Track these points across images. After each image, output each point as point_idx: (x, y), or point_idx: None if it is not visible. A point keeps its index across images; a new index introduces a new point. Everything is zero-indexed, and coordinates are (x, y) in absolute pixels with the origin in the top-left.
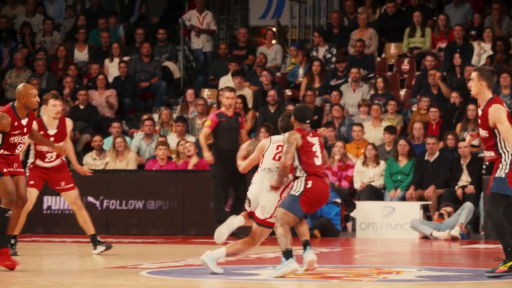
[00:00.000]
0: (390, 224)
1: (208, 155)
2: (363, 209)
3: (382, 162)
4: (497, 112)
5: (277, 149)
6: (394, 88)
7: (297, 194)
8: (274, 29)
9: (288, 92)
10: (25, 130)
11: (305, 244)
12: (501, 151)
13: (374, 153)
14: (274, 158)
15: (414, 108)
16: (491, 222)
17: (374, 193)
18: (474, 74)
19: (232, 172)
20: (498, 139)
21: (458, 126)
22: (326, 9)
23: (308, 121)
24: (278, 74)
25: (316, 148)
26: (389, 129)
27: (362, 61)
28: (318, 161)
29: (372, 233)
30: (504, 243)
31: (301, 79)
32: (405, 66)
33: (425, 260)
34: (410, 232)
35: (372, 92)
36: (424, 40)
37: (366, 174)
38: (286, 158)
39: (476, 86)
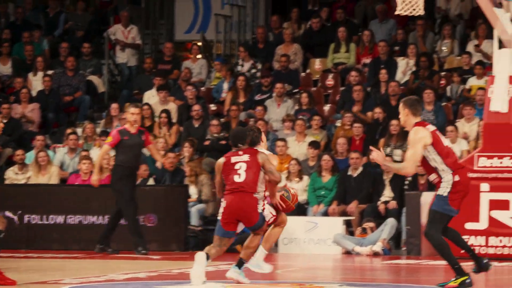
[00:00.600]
0: (313, 239)
1: (95, 179)
2: (287, 225)
3: (306, 177)
4: (412, 135)
5: None
6: (319, 103)
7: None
8: (199, 43)
9: (213, 107)
10: None
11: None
12: (440, 172)
13: (298, 168)
14: None
15: (338, 124)
16: (431, 243)
17: (297, 208)
18: (399, 106)
19: (133, 189)
20: (432, 161)
21: (381, 141)
22: (252, 24)
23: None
24: (203, 88)
25: (240, 165)
26: (313, 144)
27: (287, 76)
28: (238, 178)
29: (294, 248)
30: (450, 262)
31: (225, 94)
32: (330, 81)
33: (347, 276)
34: (333, 247)
35: (297, 107)
36: (348, 56)
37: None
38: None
39: (402, 115)
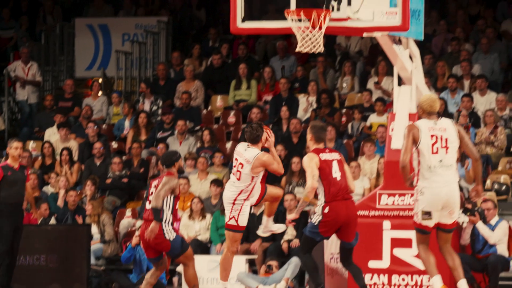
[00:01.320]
0: (216, 278)
1: None
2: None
3: (208, 216)
4: (304, 159)
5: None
6: (221, 141)
7: None
8: (100, 80)
9: (114, 144)
10: None
11: None
12: (319, 199)
13: (200, 206)
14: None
15: None
16: (301, 263)
17: (200, 247)
18: (308, 128)
19: (16, 226)
20: (319, 187)
21: (283, 178)
22: (153, 60)
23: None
24: (104, 126)
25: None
26: (215, 182)
27: (189, 113)
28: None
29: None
30: (315, 281)
31: (127, 132)
32: (231, 118)
33: None
34: (236, 286)
35: (199, 144)
36: (250, 93)
37: (192, 227)
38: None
39: (307, 139)
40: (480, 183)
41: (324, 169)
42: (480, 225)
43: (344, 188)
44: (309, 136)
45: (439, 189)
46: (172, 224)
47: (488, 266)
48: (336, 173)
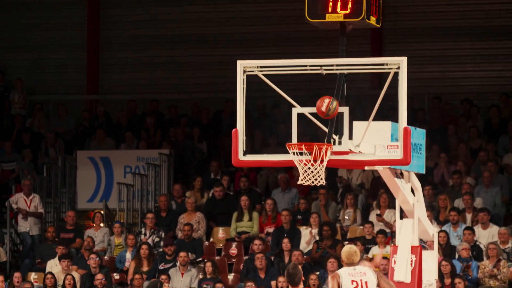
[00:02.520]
0: None
1: None
2: None
3: None
4: None
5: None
6: (222, 272)
7: None
8: (102, 212)
9: (116, 276)
10: None
11: None
12: None
13: None
14: None
15: None
16: None
17: None
18: None
19: None
20: None
21: None
22: (154, 192)
23: None
24: (106, 257)
25: None
26: None
27: (190, 244)
28: None
29: None
30: None
31: (128, 263)
32: (233, 250)
33: None
34: None
35: (201, 276)
36: (251, 224)
37: None
38: None
39: None
40: None
41: None
42: None
43: None
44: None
45: None
46: None
47: None
48: None
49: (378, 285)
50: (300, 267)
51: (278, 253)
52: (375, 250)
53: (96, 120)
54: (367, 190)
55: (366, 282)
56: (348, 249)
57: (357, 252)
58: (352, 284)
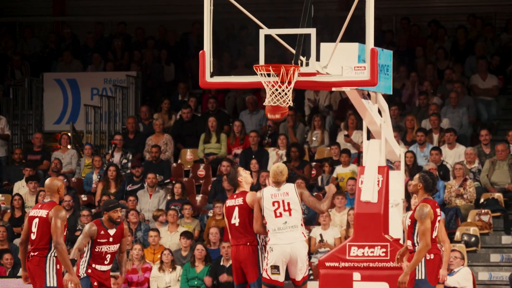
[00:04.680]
0: None
1: None
2: None
3: (179, 268)
4: None
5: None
6: (190, 193)
7: None
8: (69, 134)
9: (84, 197)
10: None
11: None
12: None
13: (171, 258)
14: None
15: (210, 214)
16: None
17: None
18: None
19: None
20: None
21: None
22: (122, 114)
23: None
24: (73, 179)
25: None
26: (185, 234)
27: (158, 166)
28: None
29: None
30: None
31: (95, 185)
32: (201, 171)
33: None
34: None
35: (169, 197)
36: (219, 146)
37: (162, 279)
38: None
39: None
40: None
41: (228, 215)
42: None
43: (240, 234)
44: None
45: (284, 246)
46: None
47: None
48: (234, 219)
49: (307, 204)
50: (240, 169)
51: None
52: (339, 169)
53: (63, 42)
54: (334, 112)
55: (288, 203)
56: (275, 168)
57: (283, 171)
58: (274, 205)
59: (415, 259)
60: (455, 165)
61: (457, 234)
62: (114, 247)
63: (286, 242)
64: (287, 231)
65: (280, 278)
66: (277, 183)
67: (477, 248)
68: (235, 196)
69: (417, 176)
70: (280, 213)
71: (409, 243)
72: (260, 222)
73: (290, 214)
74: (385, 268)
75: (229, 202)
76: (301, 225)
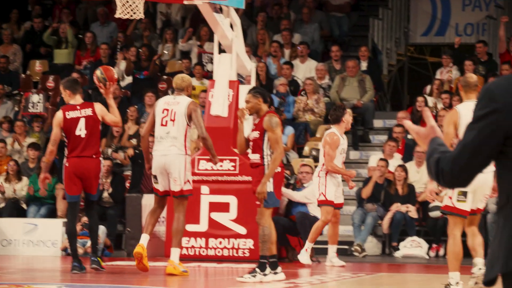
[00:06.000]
0: (32, 241)
1: None
2: (4, 226)
3: (25, 178)
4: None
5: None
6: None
7: None
8: None
9: None
10: None
11: None
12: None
13: (16, 168)
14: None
15: None
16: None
17: (16, 210)
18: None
19: None
20: None
21: (103, 141)
22: None
23: None
24: None
25: None
26: (33, 146)
27: (6, 77)
28: None
29: (13, 250)
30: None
31: None
32: (50, 83)
33: (66, 277)
34: (52, 249)
35: (16, 108)
36: (70, 51)
37: (8, 190)
38: None
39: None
40: (214, 157)
41: (69, 127)
42: (283, 190)
43: (86, 146)
44: (64, 92)
45: (159, 156)
46: None
47: (297, 223)
48: (80, 131)
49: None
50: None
51: (95, 88)
52: (194, 82)
53: None
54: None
55: (175, 113)
56: (178, 75)
57: (183, 79)
58: (163, 112)
59: (271, 167)
60: (306, 80)
61: (306, 149)
62: None
63: (161, 154)
64: (167, 142)
65: (160, 187)
66: (177, 90)
67: None
68: (78, 107)
69: (250, 94)
70: (166, 122)
71: (255, 156)
72: (149, 127)
73: (173, 125)
74: (234, 182)
75: (72, 114)
76: (184, 139)
